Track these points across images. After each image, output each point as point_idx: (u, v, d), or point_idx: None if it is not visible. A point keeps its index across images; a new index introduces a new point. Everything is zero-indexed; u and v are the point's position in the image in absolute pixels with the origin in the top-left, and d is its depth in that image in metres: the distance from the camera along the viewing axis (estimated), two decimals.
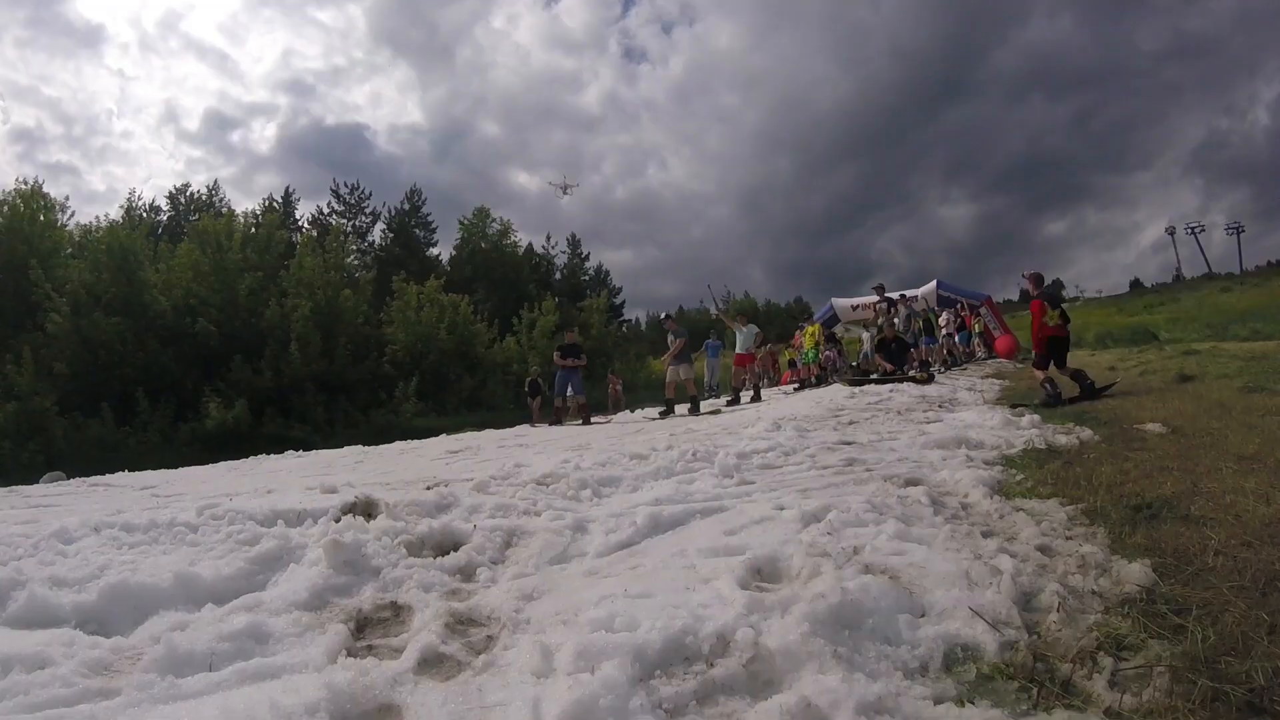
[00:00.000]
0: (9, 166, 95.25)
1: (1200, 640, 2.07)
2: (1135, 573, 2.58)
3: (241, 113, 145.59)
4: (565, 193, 74.65)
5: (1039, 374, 9.74)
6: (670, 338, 14.38)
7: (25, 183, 36.35)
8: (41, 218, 35.47)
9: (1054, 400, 8.99)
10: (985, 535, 3.27)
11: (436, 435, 15.43)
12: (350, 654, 2.39)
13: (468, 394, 37.81)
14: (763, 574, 2.91)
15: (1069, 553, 2.94)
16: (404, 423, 31.28)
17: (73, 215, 41.05)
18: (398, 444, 12.86)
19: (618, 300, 61.44)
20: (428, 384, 36.83)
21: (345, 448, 12.58)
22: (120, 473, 9.77)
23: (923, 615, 2.42)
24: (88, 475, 10.34)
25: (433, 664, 2.30)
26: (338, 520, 3.88)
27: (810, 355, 19.65)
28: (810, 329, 20.35)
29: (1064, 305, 10.06)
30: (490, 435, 12.87)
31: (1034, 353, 10.11)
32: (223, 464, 10.67)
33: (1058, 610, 2.37)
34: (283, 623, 2.62)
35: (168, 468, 10.95)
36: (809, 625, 2.20)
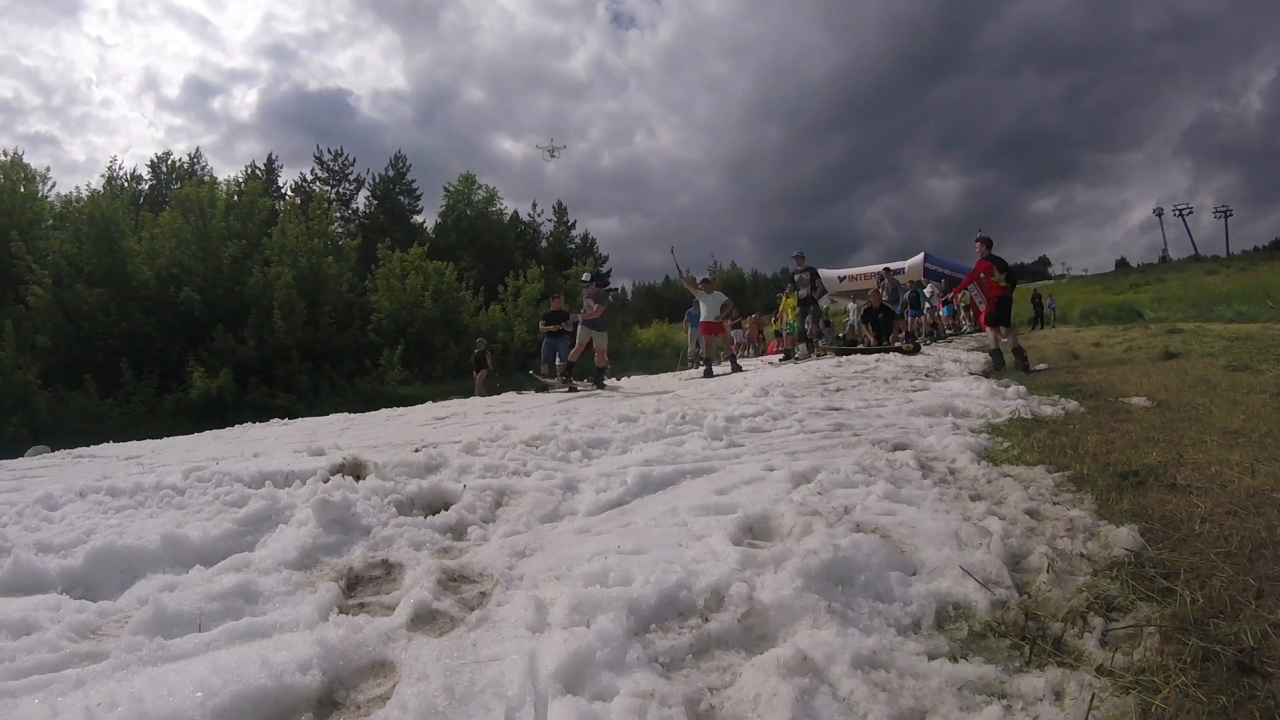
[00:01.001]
0: None
1: (1189, 602, 2.11)
2: (1123, 537, 2.61)
3: (222, 79, 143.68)
4: (553, 155, 72.40)
5: (991, 332, 10.60)
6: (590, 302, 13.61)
7: (5, 154, 35.84)
8: (22, 189, 34.79)
9: (999, 364, 10.00)
10: (973, 499, 3.31)
11: (422, 403, 15.39)
12: (342, 611, 2.36)
13: (453, 362, 37.53)
14: (754, 532, 2.93)
15: (1057, 517, 2.97)
16: (389, 390, 31.08)
17: (54, 186, 40.42)
18: (383, 411, 12.77)
19: (604, 269, 61.21)
20: (413, 352, 36.61)
21: (331, 415, 12.50)
22: (105, 444, 9.62)
23: (914, 573, 2.45)
24: (72, 448, 10.30)
25: (426, 620, 2.29)
26: (326, 481, 3.86)
27: (793, 326, 18.43)
28: (790, 299, 19.63)
29: (1010, 271, 10.81)
30: (477, 402, 12.81)
31: (987, 311, 10.92)
32: (208, 433, 10.56)
33: (1047, 571, 2.40)
34: (272, 581, 2.59)
35: (153, 438, 10.88)
36: (802, 580, 2.21)
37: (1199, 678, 1.76)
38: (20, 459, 8.95)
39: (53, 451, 9.93)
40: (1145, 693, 1.73)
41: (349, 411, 13.45)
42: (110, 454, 8.09)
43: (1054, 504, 3.18)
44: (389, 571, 2.79)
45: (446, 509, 3.51)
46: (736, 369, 14.22)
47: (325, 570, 2.77)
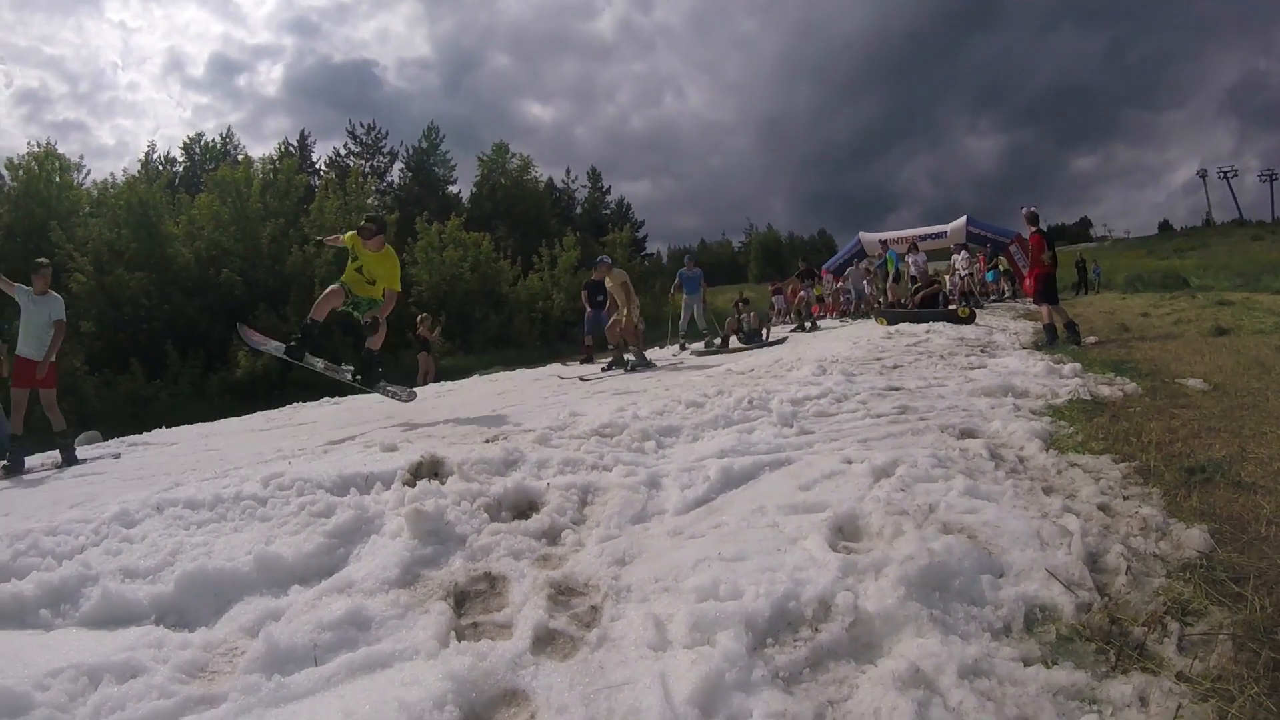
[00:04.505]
0: (16, 129, 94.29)
1: (1259, 609, 2.21)
2: (1195, 538, 2.71)
3: (247, 56, 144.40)
4: None
5: (1044, 310, 10.55)
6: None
7: (38, 145, 36.19)
8: (58, 179, 35.21)
9: (1052, 338, 10.12)
10: (1047, 492, 3.41)
11: (467, 375, 15.62)
12: (458, 634, 2.38)
13: (494, 332, 37.96)
14: (844, 532, 3.02)
15: (1129, 513, 3.06)
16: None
17: (88, 174, 40.88)
18: (432, 386, 13.00)
19: (640, 234, 61.05)
20: (454, 324, 36.94)
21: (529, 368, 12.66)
22: (157, 430, 9.81)
23: (1001, 575, 2.56)
24: (122, 432, 10.39)
25: (546, 642, 2.33)
26: (408, 483, 3.85)
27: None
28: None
29: (1053, 248, 10.94)
30: (523, 375, 12.95)
31: (1035, 289, 10.97)
32: (259, 414, 10.63)
33: (1125, 573, 2.51)
34: (380, 604, 2.58)
35: (202, 419, 10.98)
36: (904, 589, 2.33)
37: (1270, 687, 1.87)
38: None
39: (104, 437, 10.21)
40: (1222, 701, 1.84)
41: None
42: (163, 441, 8.29)
43: (1124, 499, 3.27)
44: (493, 585, 2.80)
45: (535, 510, 3.54)
46: None
47: (430, 587, 2.76)
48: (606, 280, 12.47)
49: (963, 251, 23.59)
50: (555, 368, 14.32)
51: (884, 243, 26.80)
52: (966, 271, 22.41)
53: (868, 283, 22.07)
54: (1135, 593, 2.40)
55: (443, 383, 13.96)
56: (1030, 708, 1.89)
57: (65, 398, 25.55)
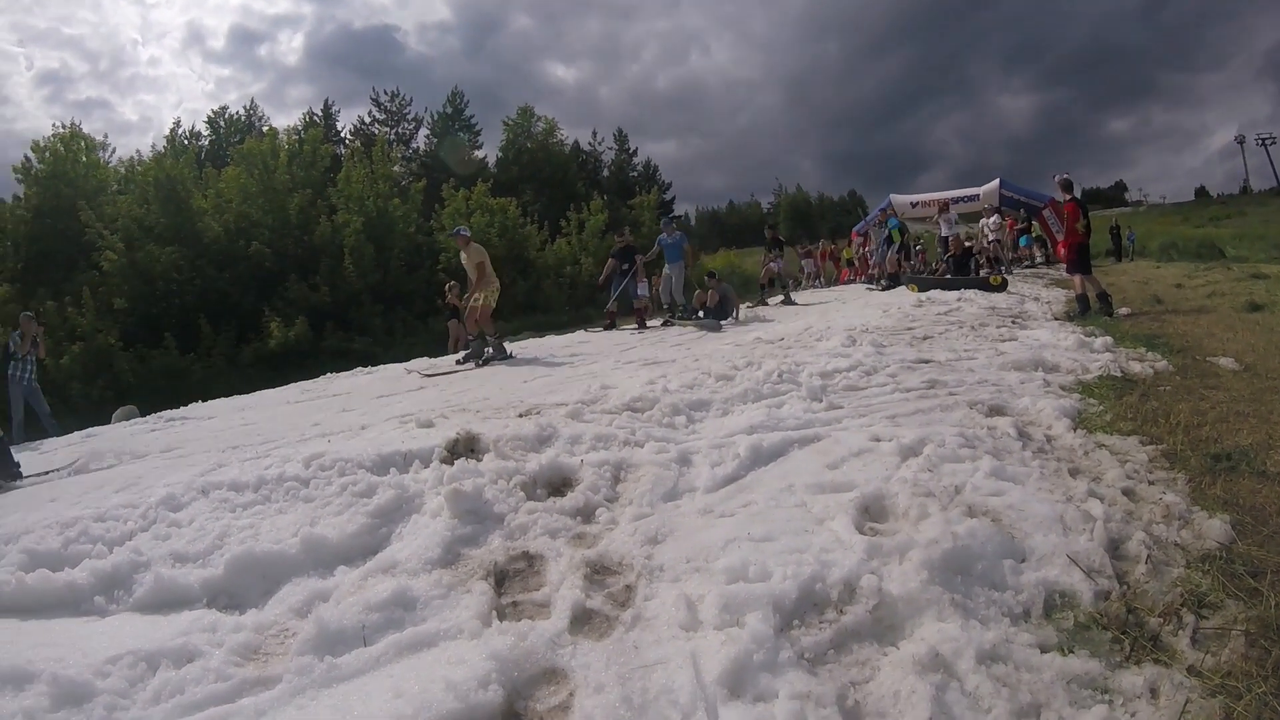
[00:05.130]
0: (39, 110, 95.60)
1: (1274, 606, 2.22)
2: (1216, 529, 2.72)
3: (267, 26, 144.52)
4: None
5: (1077, 280, 10.41)
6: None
7: (63, 126, 36.15)
8: (84, 158, 35.06)
9: (1084, 309, 9.99)
10: (1073, 474, 3.43)
11: None
12: (499, 614, 2.47)
13: (522, 298, 37.91)
14: (870, 512, 3.08)
15: (1153, 499, 3.07)
16: None
17: (114, 152, 40.89)
18: (463, 353, 13.12)
19: (668, 196, 60.53)
20: None
21: (413, 360, 12.74)
22: (194, 404, 9.89)
23: (1023, 560, 2.60)
24: (157, 406, 10.56)
25: (583, 621, 2.42)
26: (446, 461, 3.96)
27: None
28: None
29: (1088, 217, 10.73)
30: (552, 342, 12.95)
31: (1068, 258, 10.81)
32: (293, 386, 10.68)
33: (1145, 562, 2.54)
34: (424, 584, 2.67)
35: (237, 391, 11.13)
36: (927, 573, 2.40)
37: (1277, 686, 1.89)
38: (110, 425, 9.31)
39: (141, 413, 10.41)
40: (1229, 697, 1.88)
41: (427, 354, 13.79)
42: (199, 415, 8.39)
43: (1149, 484, 3.27)
44: (531, 564, 2.90)
45: (570, 487, 3.65)
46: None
47: (471, 566, 2.86)
48: (463, 255, 10.79)
49: (994, 215, 23.19)
50: (582, 334, 14.26)
51: (883, 210, 26.43)
52: (995, 237, 22.09)
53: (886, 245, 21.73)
54: (1154, 582, 2.43)
55: None
56: (1044, 694, 1.95)
57: (101, 374, 26.25)
